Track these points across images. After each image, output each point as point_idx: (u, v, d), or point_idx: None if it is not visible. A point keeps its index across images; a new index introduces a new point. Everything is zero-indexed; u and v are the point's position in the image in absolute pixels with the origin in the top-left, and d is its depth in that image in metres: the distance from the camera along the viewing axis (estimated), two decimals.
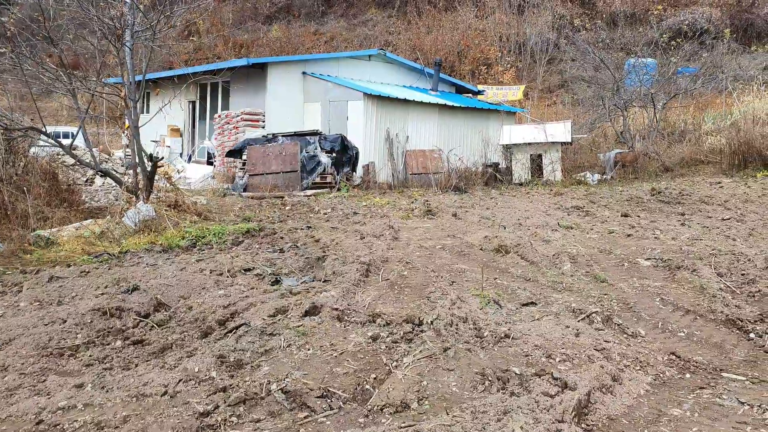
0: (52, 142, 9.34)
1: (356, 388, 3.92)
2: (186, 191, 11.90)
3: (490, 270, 6.71)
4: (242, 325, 4.89)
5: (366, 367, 4.20)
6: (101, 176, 11.56)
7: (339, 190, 13.34)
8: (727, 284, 6.06)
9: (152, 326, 5.06)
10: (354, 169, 14.55)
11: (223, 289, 5.97)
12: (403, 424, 3.39)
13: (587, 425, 3.45)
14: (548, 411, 3.40)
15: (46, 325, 4.91)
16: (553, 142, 16.63)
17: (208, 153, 18.03)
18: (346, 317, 5.04)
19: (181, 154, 19.65)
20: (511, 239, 7.84)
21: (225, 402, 3.70)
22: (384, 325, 4.88)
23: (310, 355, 4.36)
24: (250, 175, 13.52)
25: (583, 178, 16.42)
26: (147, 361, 4.39)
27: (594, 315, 5.23)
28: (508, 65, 33.69)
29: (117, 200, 10.69)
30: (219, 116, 17.38)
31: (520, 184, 15.96)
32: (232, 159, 14.99)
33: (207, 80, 18.29)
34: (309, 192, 12.94)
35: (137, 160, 9.57)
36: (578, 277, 6.51)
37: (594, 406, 3.62)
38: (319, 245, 7.70)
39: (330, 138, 14.25)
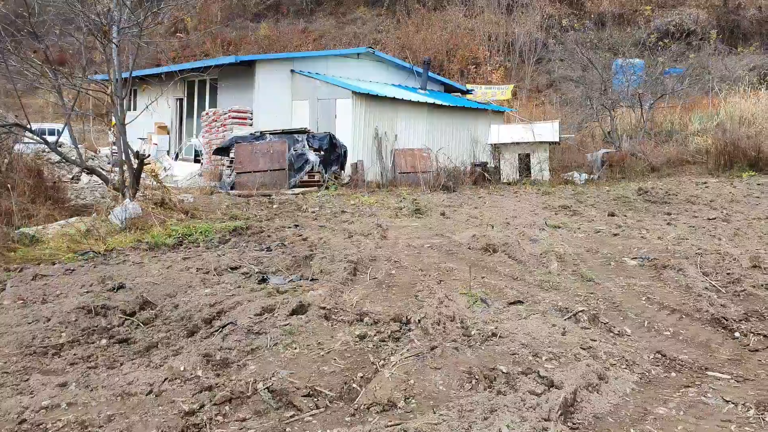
0: (37, 139, 9.25)
1: (343, 387, 3.91)
2: (173, 189, 11.83)
3: (477, 269, 6.72)
4: (229, 323, 4.86)
5: (353, 365, 4.19)
6: (87, 174, 11.47)
7: (327, 188, 13.30)
8: (713, 283, 6.09)
9: (138, 325, 5.02)
10: (342, 168, 14.53)
11: (210, 288, 5.93)
12: (389, 423, 3.38)
13: (573, 424, 3.46)
14: (534, 409, 3.41)
15: (29, 323, 4.86)
16: (541, 142, 16.69)
17: (196, 151, 17.93)
18: (333, 316, 5.03)
19: (168, 152, 19.54)
20: (498, 238, 7.85)
21: (211, 401, 3.68)
22: (371, 324, 4.88)
23: (296, 354, 4.35)
24: (237, 173, 13.47)
25: (570, 178, 16.49)
26: (132, 359, 4.36)
27: (580, 314, 5.24)
28: (497, 65, 33.75)
29: (103, 198, 10.61)
30: (207, 114, 17.30)
31: (509, 184, 16.00)
32: (219, 157, 14.92)
33: (195, 77, 18.19)
34: (297, 190, 12.90)
35: (124, 158, 9.50)
36: (565, 276, 6.53)
37: (580, 404, 3.63)
38: (307, 244, 7.68)
39: (318, 136, 14.22)
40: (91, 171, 10.21)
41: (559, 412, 3.43)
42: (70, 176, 12.63)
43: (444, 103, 18.63)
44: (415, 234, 8.51)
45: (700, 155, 17.13)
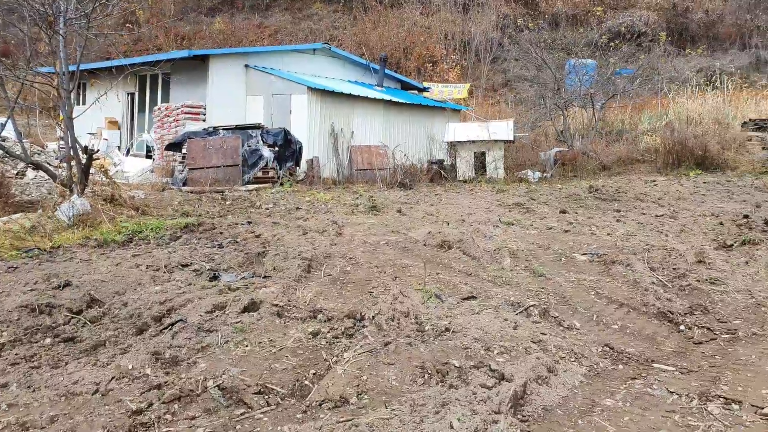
0: None
1: (295, 384, 3.88)
2: (124, 185, 11.57)
3: (432, 265, 6.75)
4: (179, 321, 4.78)
5: (305, 362, 4.16)
6: (33, 169, 11.11)
7: (282, 185, 13.19)
8: (660, 278, 6.26)
9: (85, 323, 4.89)
10: (297, 164, 14.42)
11: (160, 285, 5.82)
12: (341, 419, 3.37)
13: (523, 416, 3.50)
14: (485, 402, 3.44)
15: None
16: (495, 140, 16.87)
17: (148, 146, 17.57)
18: (286, 313, 4.99)
19: (119, 147, 19.09)
20: (454, 235, 7.91)
21: (159, 399, 3.62)
22: (325, 321, 4.86)
23: (248, 352, 4.30)
24: (190, 169, 13.24)
25: (524, 176, 16.71)
26: (78, 359, 4.24)
27: (532, 308, 5.32)
28: (453, 63, 33.99)
29: (50, 194, 10.30)
30: (159, 109, 16.96)
31: (465, 181, 16.12)
32: (171, 152, 14.64)
33: (147, 72, 17.81)
34: (251, 187, 12.75)
35: (72, 153, 9.24)
36: (517, 272, 6.62)
37: (530, 397, 3.68)
38: (260, 241, 7.60)
39: (273, 132, 14.08)
40: (37, 166, 9.90)
41: (510, 405, 3.47)
42: (15, 172, 12.22)
43: (401, 101, 18.67)
44: (371, 231, 8.50)
45: (650, 154, 17.54)
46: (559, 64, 21.59)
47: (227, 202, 10.94)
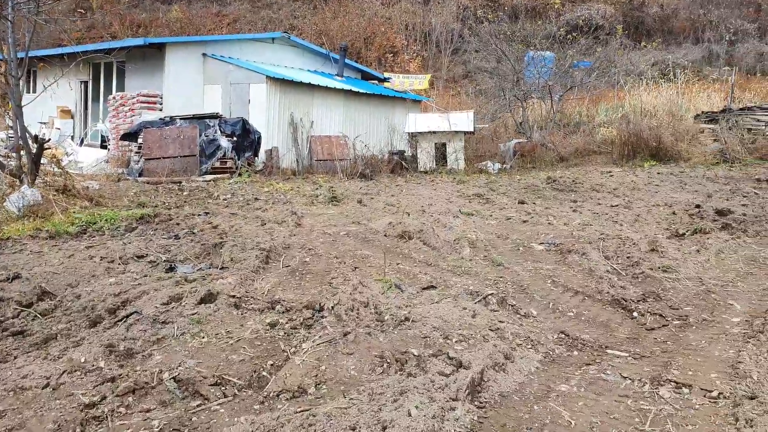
0: None
1: (252, 375, 3.85)
2: (77, 176, 11.28)
3: (393, 255, 6.76)
4: (133, 313, 4.69)
5: (263, 354, 4.13)
6: None
7: (240, 175, 13.02)
8: (614, 266, 6.38)
9: (35, 316, 4.76)
10: (256, 154, 14.25)
11: (114, 277, 5.71)
12: (298, 409, 3.36)
13: (480, 402, 3.54)
14: (443, 390, 3.46)
15: None
16: (456, 132, 16.94)
17: (102, 136, 17.14)
18: (243, 304, 4.94)
19: (72, 137, 18.58)
20: (414, 225, 7.93)
21: (113, 392, 3.55)
22: (283, 312, 4.82)
23: (204, 343, 4.24)
24: (146, 159, 12.97)
25: (484, 167, 16.84)
26: (28, 352, 4.13)
27: (490, 297, 5.37)
28: (414, 54, 34.01)
29: None
30: (113, 98, 16.54)
31: (425, 172, 16.17)
32: (127, 142, 14.31)
33: (100, 60, 17.35)
34: (208, 177, 12.56)
35: (21, 142, 8.96)
36: (477, 262, 6.67)
37: (487, 383, 3.72)
38: (217, 231, 7.49)
39: (231, 121, 13.88)
40: None
41: (467, 392, 3.50)
42: None
43: (361, 91, 18.60)
44: (331, 221, 8.47)
45: (606, 146, 17.83)
46: (518, 56, 21.78)
47: (184, 193, 10.76)
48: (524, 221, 8.86)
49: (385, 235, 7.58)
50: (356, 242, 7.24)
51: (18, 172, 8.82)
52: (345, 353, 4.11)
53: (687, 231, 7.62)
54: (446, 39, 34.67)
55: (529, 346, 4.42)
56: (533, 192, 11.58)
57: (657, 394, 3.73)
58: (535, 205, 10.19)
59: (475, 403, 3.50)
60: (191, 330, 4.44)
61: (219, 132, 13.53)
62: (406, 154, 17.54)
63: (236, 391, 3.69)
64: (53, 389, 3.58)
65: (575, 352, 4.44)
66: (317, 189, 11.52)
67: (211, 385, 3.71)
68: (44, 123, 18.49)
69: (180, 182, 11.85)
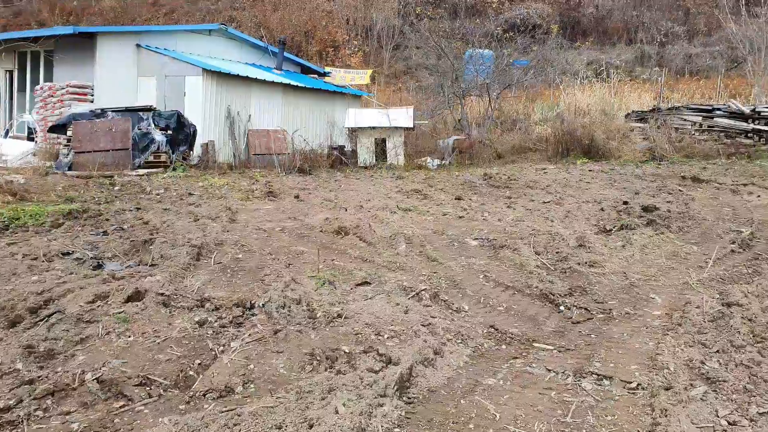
0: None
1: (179, 375, 3.78)
2: (1, 169, 10.80)
3: (328, 251, 6.74)
4: (56, 312, 4.53)
5: (191, 353, 4.06)
6: None
7: (175, 169, 12.72)
8: (543, 261, 6.53)
9: None
10: (191, 148, 13.95)
11: (38, 275, 5.49)
12: (224, 408, 3.32)
13: (409, 398, 3.57)
14: (372, 386, 3.48)
15: None
16: (396, 127, 17.00)
17: (29, 128, 16.45)
18: (172, 302, 4.84)
19: None
20: (351, 221, 7.92)
21: (30, 395, 3.43)
22: (213, 310, 4.74)
23: (130, 343, 4.14)
24: (76, 152, 12.51)
25: (424, 163, 16.95)
26: None
27: (423, 292, 5.42)
28: (356, 49, 33.97)
29: None
30: (41, 88, 15.89)
31: (365, 167, 16.16)
32: (56, 135, 13.77)
33: (27, 48, 16.65)
34: (141, 171, 12.22)
35: None
36: (412, 257, 6.72)
37: (416, 379, 3.75)
38: (148, 227, 7.30)
39: (165, 114, 13.54)
40: None
41: (396, 388, 3.52)
42: None
43: (300, 85, 18.45)
44: (266, 217, 8.37)
45: (541, 143, 18.19)
46: (457, 53, 22.00)
47: (116, 188, 10.44)
48: (460, 217, 8.96)
49: (321, 231, 7.55)
50: (291, 238, 7.19)
51: None
52: (275, 351, 4.08)
53: (614, 227, 7.87)
54: (388, 34, 34.76)
55: (459, 341, 4.48)
56: (470, 188, 11.72)
57: (579, 386, 3.84)
58: (471, 201, 10.32)
59: (404, 398, 3.53)
60: (117, 329, 4.32)
61: (153, 125, 13.17)
62: (346, 149, 17.51)
63: (162, 391, 3.62)
64: None
65: (503, 346, 4.53)
66: (254, 184, 11.37)
67: (135, 385, 3.63)
68: None
69: (112, 176, 11.49)
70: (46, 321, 4.44)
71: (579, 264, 6.33)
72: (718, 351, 4.23)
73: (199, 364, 3.92)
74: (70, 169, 12.23)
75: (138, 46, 16.24)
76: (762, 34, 22.50)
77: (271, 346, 4.16)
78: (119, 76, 15.86)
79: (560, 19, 36.68)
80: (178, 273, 5.51)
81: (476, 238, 7.61)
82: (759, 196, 10.16)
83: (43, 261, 5.95)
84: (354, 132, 17.43)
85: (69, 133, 12.92)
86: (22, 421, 3.24)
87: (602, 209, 9.11)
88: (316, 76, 22.60)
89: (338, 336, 4.37)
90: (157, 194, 9.92)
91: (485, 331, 4.75)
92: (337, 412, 3.15)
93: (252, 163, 15.00)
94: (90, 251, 6.27)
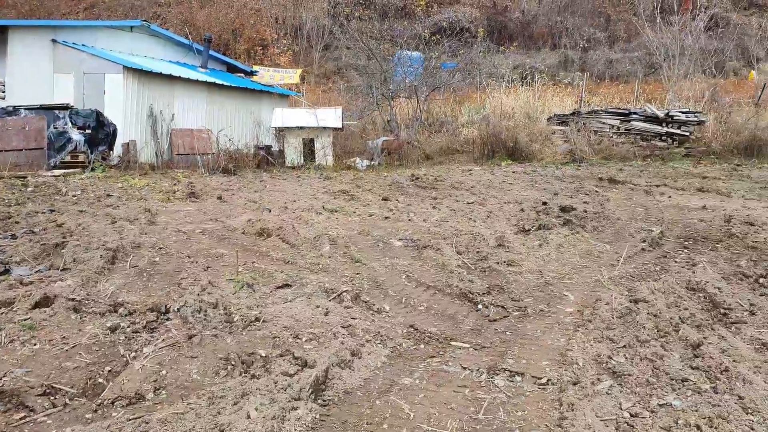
0: None
1: (87, 383, 3.66)
2: None
3: (249, 254, 6.66)
4: None
5: (101, 359, 3.94)
6: None
7: (93, 170, 12.28)
8: (465, 261, 6.65)
9: None
10: (111, 148, 13.50)
11: None
12: (132, 416, 3.23)
13: (324, 401, 3.57)
14: (286, 390, 3.46)
15: None
16: (324, 128, 16.96)
17: None
18: (83, 308, 4.68)
19: None
20: (274, 222, 7.84)
21: None
22: (126, 315, 4.61)
23: (36, 351, 3.98)
24: None
25: (353, 164, 16.97)
26: None
27: (345, 294, 5.43)
28: (285, 48, 33.66)
29: None
30: None
31: (293, 168, 16.05)
32: None
33: None
34: (57, 172, 11.74)
35: None
36: (336, 258, 6.71)
37: (332, 381, 3.76)
38: (62, 230, 7.02)
39: (83, 113, 13.05)
40: None
41: (310, 391, 3.51)
42: None
43: (226, 83, 18.14)
44: (187, 219, 8.19)
45: (468, 145, 18.52)
46: (385, 55, 22.13)
47: (29, 189, 9.99)
48: (386, 218, 9.02)
49: (243, 233, 7.45)
50: (212, 240, 7.06)
51: None
52: (189, 357, 4.00)
53: (532, 227, 8.10)
54: (317, 34, 34.60)
55: (378, 342, 4.51)
56: (397, 189, 11.82)
57: (493, 383, 3.93)
58: (398, 202, 10.40)
59: (318, 401, 3.53)
60: (22, 337, 4.14)
61: (70, 124, 12.68)
62: (273, 149, 17.33)
63: (67, 400, 3.49)
64: None
65: (422, 346, 4.58)
66: (176, 184, 11.11)
67: (39, 395, 3.49)
68: None
69: (25, 177, 10.99)
70: None
71: (498, 263, 6.48)
72: (624, 346, 4.42)
73: (109, 371, 3.80)
74: None
75: (54, 41, 15.58)
76: (676, 42, 23.63)
77: (185, 351, 4.07)
78: (34, 73, 15.18)
79: (488, 24, 37.46)
80: (91, 277, 5.33)
81: (401, 239, 7.68)
82: (670, 196, 10.66)
83: None
84: (281, 132, 17.27)
85: None
86: None
87: (522, 210, 9.36)
88: (242, 75, 22.27)
89: (255, 340, 4.33)
90: (74, 195, 9.55)
91: (405, 331, 4.79)
92: (249, 417, 3.12)
93: (175, 164, 14.66)
94: None
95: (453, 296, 5.65)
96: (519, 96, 23.02)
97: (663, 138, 17.31)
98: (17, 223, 7.43)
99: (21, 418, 3.27)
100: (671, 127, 17.38)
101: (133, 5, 34.00)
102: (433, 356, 4.37)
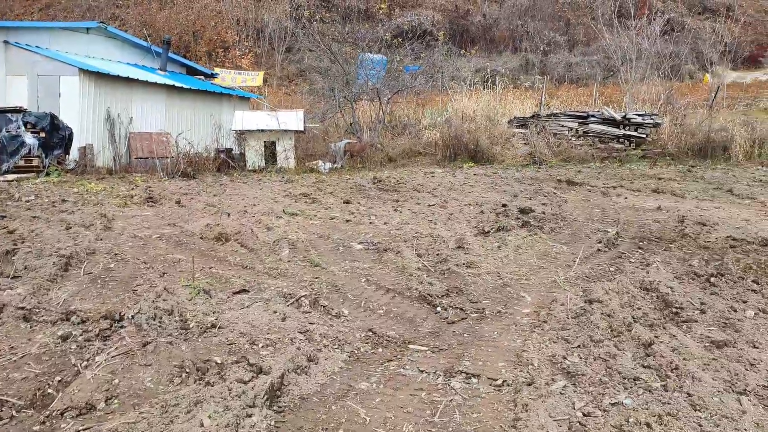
0: None
1: (36, 394, 3.58)
2: None
3: (207, 259, 6.59)
4: None
5: (51, 369, 3.85)
6: None
7: (48, 174, 12.01)
8: (424, 263, 6.68)
9: None
10: (67, 152, 13.22)
11: None
12: (82, 427, 3.17)
13: (279, 407, 3.55)
14: (240, 397, 3.43)
15: None
16: (286, 130, 16.86)
17: None
18: (34, 317, 4.57)
19: None
20: (233, 227, 7.77)
21: None
22: (78, 323, 4.52)
23: None
24: None
25: (316, 167, 16.91)
26: None
27: (303, 298, 5.41)
28: (246, 50, 33.41)
29: None
30: None
31: (254, 171, 15.92)
32: None
33: None
34: (10, 177, 11.44)
35: None
36: (295, 263, 6.68)
37: (287, 387, 3.74)
38: (13, 237, 6.84)
39: (37, 116, 12.75)
40: None
41: (265, 398, 3.49)
42: None
43: (185, 86, 17.92)
44: (144, 224, 8.06)
45: (431, 147, 18.62)
46: (347, 57, 22.13)
47: None
48: (347, 221, 9.01)
49: (201, 238, 7.37)
50: (169, 246, 6.97)
51: None
52: (142, 365, 3.94)
53: (492, 229, 8.18)
54: (279, 36, 34.43)
55: (336, 346, 4.51)
56: (359, 192, 11.82)
57: (449, 385, 3.96)
58: (359, 205, 10.40)
59: (274, 408, 3.51)
60: None
61: (23, 127, 12.38)
62: (234, 152, 17.16)
63: (14, 412, 3.41)
64: None
65: (380, 350, 4.59)
66: (133, 189, 10.93)
67: None
68: None
69: None
70: None
71: (457, 265, 6.53)
72: (579, 346, 4.50)
73: (60, 381, 3.72)
74: None
75: (6, 42, 15.19)
76: (632, 46, 24.15)
77: (138, 359, 4.01)
78: None
79: (450, 27, 37.75)
80: (42, 285, 5.21)
81: (361, 242, 7.68)
82: (626, 198, 10.89)
83: None
84: (242, 135, 17.12)
85: None
86: None
87: (482, 212, 9.45)
88: (203, 77, 22.03)
89: (211, 347, 4.28)
90: (27, 201, 9.32)
91: (363, 335, 4.79)
92: (202, 425, 3.09)
93: (134, 168, 14.42)
94: None
95: (412, 299, 5.67)
96: (481, 99, 23.23)
97: (620, 140, 17.66)
98: None
99: None
100: (628, 130, 17.75)
101: (90, 6, 33.37)
102: (391, 360, 4.39)
